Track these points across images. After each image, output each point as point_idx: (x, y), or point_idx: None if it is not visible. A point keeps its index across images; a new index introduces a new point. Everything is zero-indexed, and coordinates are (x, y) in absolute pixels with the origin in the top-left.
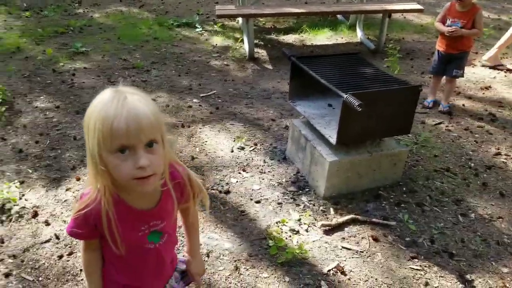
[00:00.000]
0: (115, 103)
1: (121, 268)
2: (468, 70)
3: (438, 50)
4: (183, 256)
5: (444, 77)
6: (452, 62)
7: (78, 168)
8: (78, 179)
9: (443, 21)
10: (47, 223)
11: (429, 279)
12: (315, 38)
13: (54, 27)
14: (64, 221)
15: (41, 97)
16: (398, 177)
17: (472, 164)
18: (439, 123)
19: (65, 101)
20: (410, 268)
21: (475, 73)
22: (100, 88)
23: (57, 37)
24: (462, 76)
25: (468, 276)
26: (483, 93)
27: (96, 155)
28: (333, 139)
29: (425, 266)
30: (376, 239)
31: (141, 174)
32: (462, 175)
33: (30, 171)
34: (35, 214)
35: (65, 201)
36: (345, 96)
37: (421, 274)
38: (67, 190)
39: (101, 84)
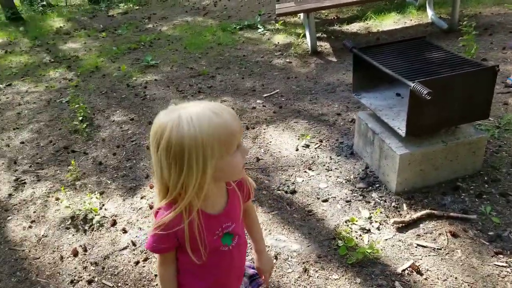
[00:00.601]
0: (217, 113)
1: (201, 275)
2: None
3: None
4: (252, 255)
5: None
6: None
7: (151, 176)
8: (151, 187)
9: None
10: (124, 231)
11: None
12: (381, 24)
13: (127, 44)
14: (140, 228)
15: (117, 111)
16: (479, 166)
17: None
18: None
19: (138, 113)
20: (495, 265)
21: None
22: (170, 98)
23: (130, 53)
24: None
25: None
26: None
27: (209, 169)
28: (402, 131)
29: None
30: (455, 235)
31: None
32: None
33: (109, 182)
34: (114, 223)
35: (140, 209)
36: (412, 84)
37: (507, 272)
38: (141, 198)
39: (170, 94)
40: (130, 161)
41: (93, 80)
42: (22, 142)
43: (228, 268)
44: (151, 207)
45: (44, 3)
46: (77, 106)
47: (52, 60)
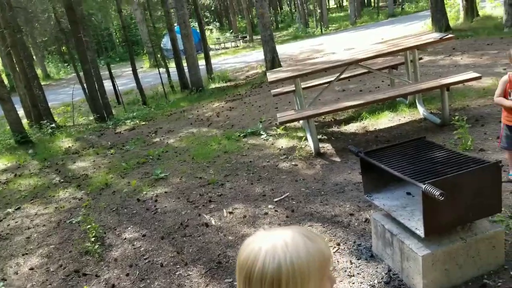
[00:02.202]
0: (311, 238)
1: None
2: None
3: (506, 125)
4: None
5: None
6: None
7: None
8: None
9: (504, 96)
10: None
11: None
12: (377, 123)
13: (136, 159)
14: None
15: (129, 228)
16: (501, 260)
17: None
18: None
19: (150, 228)
20: None
21: None
22: (181, 209)
23: (139, 168)
24: None
25: None
26: None
27: None
28: (420, 231)
29: None
30: None
31: None
32: None
33: None
34: None
35: None
36: (423, 186)
37: None
38: None
39: (181, 205)
40: (143, 281)
41: (103, 197)
42: (31, 268)
43: None
44: None
45: (54, 125)
46: (88, 226)
47: (62, 180)
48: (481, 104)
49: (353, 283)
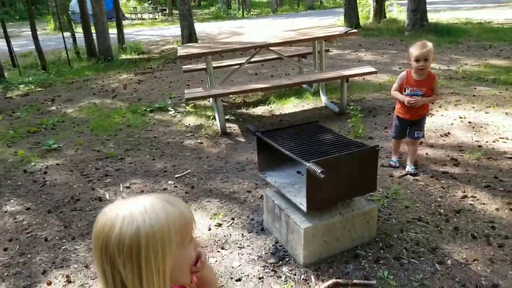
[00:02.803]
0: (171, 202)
1: None
2: (427, 119)
3: (397, 116)
4: None
5: (407, 138)
6: (413, 125)
7: (49, 272)
8: (49, 284)
9: (400, 90)
10: None
11: None
12: (283, 108)
13: (26, 127)
14: None
15: (11, 201)
16: (373, 233)
17: (442, 210)
18: (405, 175)
19: (36, 201)
20: None
21: (434, 122)
22: (73, 183)
23: (29, 137)
24: (423, 137)
25: None
26: (444, 140)
27: (168, 263)
28: (304, 206)
29: None
30: None
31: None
32: (433, 222)
33: None
34: None
35: None
36: (307, 164)
37: None
38: None
39: (74, 179)
40: (24, 255)
41: None
42: None
43: None
44: None
45: None
46: None
47: None
48: (375, 97)
49: (243, 254)
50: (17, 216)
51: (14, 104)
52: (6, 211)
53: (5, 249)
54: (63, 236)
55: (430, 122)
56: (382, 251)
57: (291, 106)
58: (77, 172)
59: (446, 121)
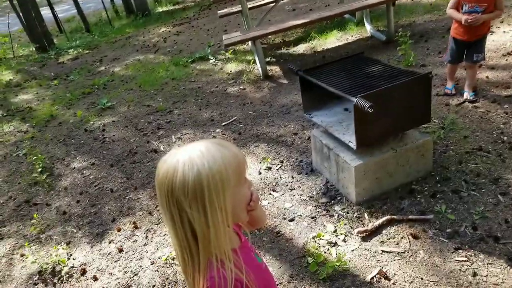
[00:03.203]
0: (224, 145)
1: None
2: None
3: (453, 38)
4: None
5: (464, 62)
6: (472, 47)
7: (118, 219)
8: (119, 230)
9: (457, 8)
10: (95, 279)
11: (477, 268)
12: (325, 43)
13: (81, 89)
14: (111, 274)
15: (77, 158)
16: (429, 167)
17: (505, 138)
18: (463, 102)
19: (99, 157)
20: (456, 260)
21: (495, 40)
22: (130, 137)
23: (85, 98)
24: (484, 59)
25: None
26: (506, 60)
27: (229, 202)
28: (353, 144)
29: (471, 256)
30: (416, 237)
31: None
32: (496, 151)
33: (75, 230)
34: (84, 272)
35: (109, 254)
36: (355, 100)
37: (468, 265)
38: (110, 242)
39: (129, 133)
40: (94, 206)
41: (49, 129)
42: None
43: (273, 285)
44: (120, 251)
45: None
46: (34, 158)
47: (5, 114)
48: (427, 20)
49: (294, 195)
50: (84, 172)
51: (66, 68)
52: (74, 168)
53: (78, 201)
54: (127, 187)
55: (491, 41)
56: (439, 185)
57: (333, 40)
58: (132, 127)
59: (509, 38)
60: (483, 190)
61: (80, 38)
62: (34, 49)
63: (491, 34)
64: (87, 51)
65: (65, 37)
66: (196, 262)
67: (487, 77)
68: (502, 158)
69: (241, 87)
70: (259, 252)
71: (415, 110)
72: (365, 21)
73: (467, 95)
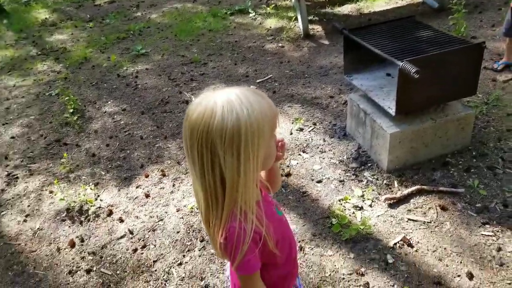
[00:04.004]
0: (259, 94)
1: (281, 262)
2: None
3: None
4: None
5: None
6: None
7: (146, 166)
8: (146, 176)
9: None
10: (121, 220)
11: (502, 244)
12: (372, 5)
13: (116, 34)
14: (136, 217)
15: (109, 102)
16: (467, 141)
17: None
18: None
19: (130, 103)
20: (482, 234)
21: None
22: (162, 86)
23: (119, 43)
24: None
25: None
26: None
27: (262, 152)
28: (392, 110)
29: (498, 231)
30: (444, 208)
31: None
32: None
33: (103, 173)
34: (110, 213)
35: (136, 198)
36: (401, 64)
37: (493, 240)
38: (137, 187)
39: (162, 82)
40: (123, 151)
41: (83, 71)
42: (13, 137)
43: (292, 238)
44: (147, 196)
45: None
46: (67, 98)
47: (39, 52)
48: None
49: (324, 158)
50: (115, 116)
51: (102, 11)
52: (105, 112)
53: (107, 145)
54: (156, 135)
55: None
56: (474, 160)
57: (382, 3)
58: (165, 76)
59: None
60: None
61: None
62: None
63: None
64: None
65: None
66: (220, 210)
67: None
68: None
69: (280, 44)
70: (282, 208)
71: (462, 80)
72: None
73: None
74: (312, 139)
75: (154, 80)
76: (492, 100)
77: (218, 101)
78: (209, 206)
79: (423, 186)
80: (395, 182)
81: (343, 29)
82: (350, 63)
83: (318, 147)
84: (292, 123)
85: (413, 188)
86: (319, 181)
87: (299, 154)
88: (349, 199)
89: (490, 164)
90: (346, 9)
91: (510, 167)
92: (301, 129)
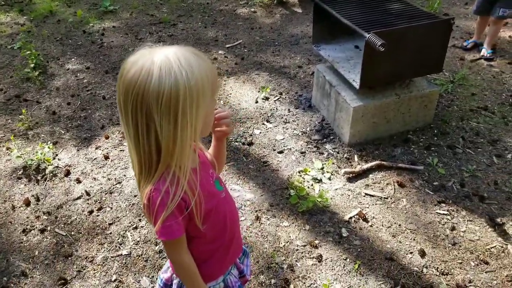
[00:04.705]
0: (199, 55)
1: (213, 236)
2: None
3: None
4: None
5: (490, 16)
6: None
7: (107, 127)
8: (107, 137)
9: None
10: (78, 181)
11: (456, 223)
12: None
13: None
14: (94, 178)
15: (73, 59)
16: (430, 119)
17: None
18: (479, 59)
19: (95, 62)
20: (437, 213)
21: None
22: (128, 46)
23: None
24: (511, 17)
25: (498, 220)
26: None
27: (201, 115)
28: (357, 83)
29: (453, 211)
30: (401, 185)
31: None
32: (501, 113)
33: (63, 132)
34: (68, 173)
35: (94, 159)
36: (367, 35)
37: (448, 219)
38: (96, 148)
39: (129, 42)
40: (85, 111)
41: (47, 25)
42: None
43: (230, 216)
44: (106, 158)
45: None
46: (28, 52)
47: (3, 2)
48: None
49: (287, 128)
50: (78, 74)
51: None
52: (68, 69)
53: (68, 103)
54: None
55: None
56: (435, 138)
57: None
58: (132, 35)
59: None
60: (479, 150)
61: None
62: None
63: None
64: None
65: None
66: (152, 174)
67: (510, 36)
68: (505, 121)
69: (252, 9)
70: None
71: (429, 57)
72: None
73: (484, 52)
74: (277, 108)
75: (121, 39)
76: (458, 79)
77: (156, 60)
78: (142, 170)
79: (382, 162)
80: (356, 157)
81: None
82: (319, 33)
83: (282, 117)
84: (259, 91)
85: (373, 163)
86: (281, 152)
87: (263, 124)
88: (309, 171)
89: (450, 143)
90: None
91: (470, 147)
92: (267, 98)
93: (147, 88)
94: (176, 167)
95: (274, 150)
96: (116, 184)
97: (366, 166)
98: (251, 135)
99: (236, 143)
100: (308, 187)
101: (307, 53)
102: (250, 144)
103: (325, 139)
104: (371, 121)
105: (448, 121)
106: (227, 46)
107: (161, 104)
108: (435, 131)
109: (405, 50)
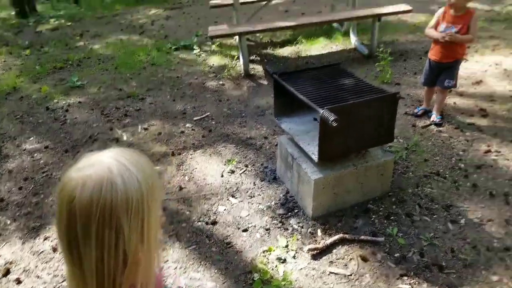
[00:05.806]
0: (142, 157)
1: None
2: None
3: (429, 59)
4: None
5: (436, 86)
6: (444, 72)
7: None
8: None
9: (436, 28)
10: (18, 281)
11: None
12: (310, 49)
13: (53, 63)
14: (38, 276)
15: (31, 138)
16: (387, 187)
17: (462, 165)
18: (429, 125)
19: (55, 140)
20: (399, 287)
21: (467, 68)
22: (93, 122)
23: (55, 73)
24: (455, 87)
25: None
26: (475, 88)
27: (159, 221)
28: (315, 156)
29: (415, 284)
30: (364, 259)
31: None
32: (452, 178)
33: (9, 222)
34: (7, 272)
35: (41, 252)
36: (321, 111)
37: None
38: (45, 239)
39: (93, 118)
40: (37, 196)
41: (8, 102)
42: None
43: None
44: (54, 250)
45: None
46: None
47: None
48: (408, 40)
49: (252, 203)
50: (35, 155)
51: (43, 38)
52: (25, 149)
53: (20, 188)
54: None
55: (463, 69)
56: (394, 206)
57: (319, 47)
58: (98, 111)
59: (480, 67)
60: (435, 216)
61: (65, 8)
62: (13, 13)
63: (465, 62)
64: (69, 23)
65: (51, 5)
66: None
67: (454, 103)
68: (456, 185)
69: (221, 82)
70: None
71: (380, 128)
72: (351, 32)
73: (434, 117)
74: (242, 182)
75: (86, 115)
76: (411, 145)
77: (113, 169)
78: None
79: (345, 235)
80: (319, 231)
81: (273, 73)
82: (281, 106)
83: (247, 191)
84: (225, 164)
85: (336, 237)
86: (245, 230)
87: (228, 199)
88: (273, 250)
89: (408, 211)
90: (286, 51)
91: (426, 214)
92: (233, 172)
93: (115, 200)
94: (143, 276)
95: (238, 228)
96: (62, 281)
97: (329, 240)
98: (215, 213)
99: (199, 223)
100: (273, 269)
101: (272, 124)
102: (214, 223)
103: (289, 213)
104: (332, 192)
105: (405, 188)
106: (194, 119)
107: (131, 214)
108: (393, 199)
109: (357, 123)
